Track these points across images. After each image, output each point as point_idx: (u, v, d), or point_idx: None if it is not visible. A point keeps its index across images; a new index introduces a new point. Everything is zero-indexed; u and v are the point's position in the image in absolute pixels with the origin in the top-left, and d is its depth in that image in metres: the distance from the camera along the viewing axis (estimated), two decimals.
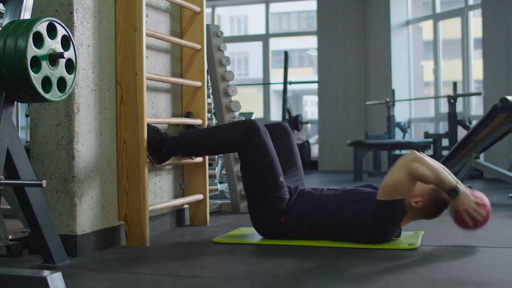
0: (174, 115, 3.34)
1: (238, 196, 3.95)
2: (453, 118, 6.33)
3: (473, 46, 7.24)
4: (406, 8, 8.18)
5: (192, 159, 3.27)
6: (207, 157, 3.41)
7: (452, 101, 6.30)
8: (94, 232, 2.61)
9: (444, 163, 5.00)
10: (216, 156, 4.30)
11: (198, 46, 3.37)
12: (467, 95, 6.93)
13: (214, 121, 4.09)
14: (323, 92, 8.61)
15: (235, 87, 4.03)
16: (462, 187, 2.58)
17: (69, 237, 2.50)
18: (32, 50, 1.95)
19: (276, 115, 9.43)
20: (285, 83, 8.04)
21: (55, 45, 2.05)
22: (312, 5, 9.15)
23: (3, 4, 2.17)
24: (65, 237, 2.46)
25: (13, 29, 1.97)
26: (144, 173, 2.73)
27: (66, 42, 2.11)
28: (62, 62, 2.08)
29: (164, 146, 2.92)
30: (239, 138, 2.79)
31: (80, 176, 2.54)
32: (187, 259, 2.49)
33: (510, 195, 4.37)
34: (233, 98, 4.03)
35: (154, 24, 3.16)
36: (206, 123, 3.39)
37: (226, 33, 10.47)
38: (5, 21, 2.07)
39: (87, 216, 2.58)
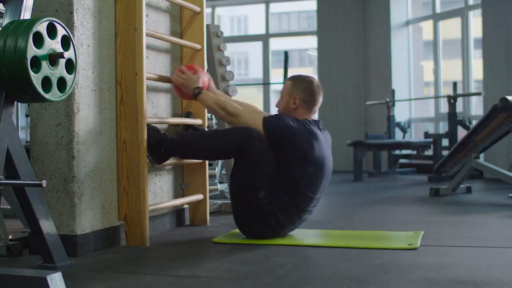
0: (174, 115, 3.34)
1: None
2: (453, 118, 6.33)
3: (473, 46, 7.24)
4: (406, 8, 8.18)
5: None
6: None
7: (452, 101, 6.30)
8: (94, 232, 2.61)
9: (444, 163, 5.02)
10: None
11: (198, 46, 3.38)
12: (467, 95, 6.93)
13: (214, 121, 4.09)
14: (323, 92, 8.60)
15: (235, 87, 4.02)
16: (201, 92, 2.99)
17: (69, 237, 2.50)
18: (32, 50, 1.95)
19: None
20: None
21: (55, 45, 2.05)
22: (312, 5, 9.14)
23: (3, 4, 2.17)
24: (65, 237, 2.46)
25: (13, 29, 1.97)
26: (144, 173, 2.73)
27: (66, 42, 2.11)
28: (62, 62, 2.08)
29: (163, 147, 2.92)
30: (237, 143, 2.80)
31: (80, 176, 2.54)
32: (187, 259, 2.49)
33: (510, 195, 4.37)
34: (233, 98, 4.02)
35: (154, 24, 3.16)
36: (206, 123, 3.39)
37: (226, 33, 10.46)
38: (5, 21, 2.07)
39: (87, 216, 2.58)
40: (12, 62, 1.93)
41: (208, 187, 3.42)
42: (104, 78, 2.71)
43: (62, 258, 2.28)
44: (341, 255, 2.50)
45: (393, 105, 7.48)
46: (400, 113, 7.85)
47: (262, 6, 9.53)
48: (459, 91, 6.74)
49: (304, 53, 18.35)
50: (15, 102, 2.11)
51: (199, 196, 3.34)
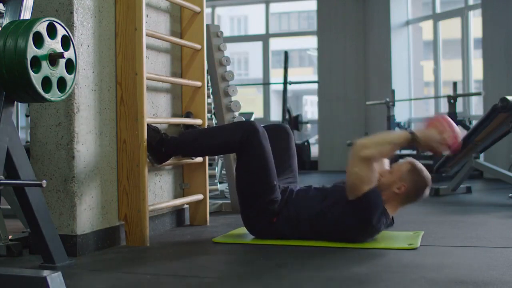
0: (174, 115, 3.34)
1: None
2: (453, 118, 6.31)
3: (473, 46, 7.24)
4: (406, 8, 8.18)
5: (192, 159, 3.27)
6: (207, 157, 3.41)
7: (452, 101, 6.30)
8: (94, 232, 2.61)
9: (444, 163, 5.02)
10: (216, 156, 4.30)
11: (198, 46, 3.38)
12: (467, 95, 6.93)
13: (214, 121, 4.09)
14: (323, 92, 8.60)
15: (235, 87, 4.03)
16: (416, 130, 2.64)
17: (69, 237, 2.50)
18: (32, 50, 1.95)
19: (276, 115, 9.42)
20: (285, 83, 8.04)
21: (55, 45, 2.05)
22: (312, 5, 9.14)
23: (3, 4, 2.17)
24: (65, 237, 2.46)
25: (13, 29, 1.97)
26: (144, 173, 2.73)
27: (66, 42, 2.11)
28: (62, 62, 2.08)
29: (164, 146, 2.92)
30: (238, 139, 2.79)
31: (80, 176, 2.54)
32: (187, 259, 2.49)
33: (510, 195, 4.37)
34: (233, 98, 4.03)
35: (154, 24, 3.16)
36: (206, 123, 3.39)
37: (226, 33, 10.46)
38: (5, 21, 2.07)
39: (87, 216, 2.58)
40: (12, 62, 1.93)
41: (208, 187, 3.43)
42: (104, 78, 2.71)
43: (62, 258, 2.28)
44: (341, 255, 2.50)
45: (393, 105, 7.47)
46: (400, 113, 7.84)
47: (262, 6, 9.52)
48: (459, 91, 6.73)
49: (304, 53, 18.37)
50: (15, 102, 2.11)
51: (199, 196, 3.34)
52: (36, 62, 1.98)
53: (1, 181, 2.00)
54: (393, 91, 7.57)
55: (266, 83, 9.35)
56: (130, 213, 2.75)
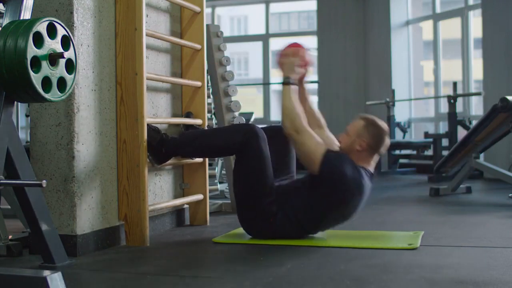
0: (174, 115, 3.34)
1: None
2: (453, 118, 6.33)
3: (473, 46, 7.24)
4: (406, 8, 8.17)
5: (192, 159, 3.27)
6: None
7: (452, 101, 6.30)
8: (94, 232, 2.61)
9: (444, 163, 5.02)
10: None
11: (198, 46, 3.37)
12: (467, 95, 6.92)
13: (214, 121, 4.09)
14: (323, 92, 8.60)
15: (235, 87, 4.02)
16: (284, 72, 2.84)
17: (69, 237, 2.50)
18: (32, 50, 1.95)
19: (276, 115, 9.42)
20: None
21: (55, 45, 2.05)
22: (312, 5, 9.14)
23: (3, 4, 2.17)
24: (65, 237, 2.46)
25: (13, 29, 1.97)
26: (144, 173, 2.73)
27: (66, 42, 2.11)
28: (62, 62, 2.08)
29: (164, 147, 2.92)
30: (238, 142, 2.80)
31: (80, 176, 2.54)
32: (187, 259, 2.49)
33: (510, 195, 4.37)
34: (233, 98, 4.03)
35: (154, 24, 3.16)
36: (206, 123, 3.39)
37: (226, 33, 10.46)
38: (5, 21, 2.07)
39: (87, 216, 2.58)
40: (12, 62, 1.93)
41: (208, 187, 3.43)
42: (104, 78, 2.71)
43: (62, 258, 2.28)
44: (341, 255, 2.50)
45: (393, 105, 7.48)
46: (400, 113, 7.84)
47: (262, 6, 9.52)
48: (459, 91, 6.73)
49: None
50: (15, 102, 2.11)
51: (199, 196, 3.34)
52: (36, 62, 1.98)
53: (1, 181, 2.00)
54: (393, 91, 7.57)
55: (266, 83, 9.35)
56: (130, 213, 2.75)
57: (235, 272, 2.23)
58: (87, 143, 2.59)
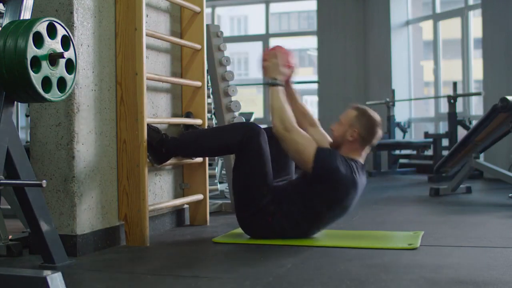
0: (174, 115, 3.34)
1: None
2: (453, 118, 6.33)
3: (473, 46, 7.24)
4: (406, 8, 8.17)
5: (192, 159, 3.27)
6: (207, 157, 3.41)
7: (452, 101, 6.30)
8: (94, 232, 2.61)
9: (444, 163, 5.02)
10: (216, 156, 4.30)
11: (198, 46, 3.37)
12: (467, 95, 6.92)
13: (214, 121, 4.09)
14: (323, 92, 8.60)
15: (235, 87, 4.02)
16: (266, 77, 2.89)
17: (69, 237, 2.50)
18: (32, 50, 1.95)
19: None
20: None
21: (55, 45, 2.05)
22: (312, 5, 9.14)
23: (3, 4, 2.17)
24: (65, 237, 2.46)
25: (13, 29, 1.97)
26: (144, 173, 2.73)
27: (66, 42, 2.11)
28: (62, 62, 2.08)
29: (164, 147, 2.92)
30: (239, 141, 2.80)
31: (80, 176, 2.54)
32: (187, 259, 2.49)
33: (510, 195, 4.37)
34: (233, 98, 4.03)
35: (154, 24, 3.16)
36: (206, 123, 3.39)
37: (226, 33, 10.46)
38: (5, 21, 2.07)
39: (87, 216, 2.58)
40: (12, 62, 1.93)
41: (208, 187, 3.43)
42: (104, 78, 2.71)
43: (62, 258, 2.28)
44: (341, 255, 2.50)
45: (393, 105, 7.47)
46: (400, 113, 7.84)
47: (262, 6, 9.52)
48: (459, 91, 6.73)
49: (304, 53, 18.35)
50: (15, 102, 2.11)
51: (199, 196, 3.34)
52: (36, 62, 1.98)
53: (1, 181, 2.00)
54: (393, 91, 7.57)
55: (266, 83, 9.34)
56: (130, 213, 2.75)
57: (235, 272, 2.23)
58: (87, 143, 2.59)
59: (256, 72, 13.16)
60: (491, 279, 2.02)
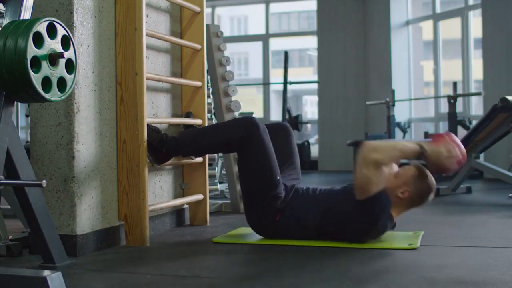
0: (174, 115, 3.34)
1: (238, 196, 3.94)
2: (453, 118, 6.32)
3: (473, 46, 7.24)
4: (406, 8, 8.18)
5: (192, 159, 3.27)
6: (207, 157, 3.41)
7: (452, 101, 6.29)
8: (94, 232, 2.61)
9: None
10: (216, 156, 4.31)
11: (198, 46, 3.38)
12: (467, 95, 6.93)
13: (214, 121, 4.09)
14: (323, 92, 8.60)
15: (235, 87, 4.03)
16: (425, 144, 2.61)
17: (69, 237, 2.50)
18: (32, 50, 1.95)
19: (276, 115, 9.42)
20: (285, 83, 8.03)
21: (55, 45, 2.05)
22: (312, 5, 9.14)
23: (3, 4, 2.17)
24: (65, 237, 2.46)
25: (13, 29, 1.96)
26: (144, 173, 2.73)
27: (66, 42, 2.11)
28: (62, 62, 2.08)
29: (165, 147, 2.92)
30: (240, 136, 2.79)
31: (80, 176, 2.54)
32: (187, 259, 2.49)
33: (510, 195, 4.37)
34: (233, 98, 4.03)
35: (154, 24, 3.16)
36: (206, 123, 3.39)
37: (226, 33, 10.46)
38: (5, 21, 2.07)
39: (87, 216, 2.58)
40: (12, 62, 1.93)
41: (208, 187, 3.43)
42: (104, 78, 2.71)
43: (62, 258, 2.28)
44: (341, 255, 2.50)
45: (393, 105, 7.47)
46: (400, 113, 7.84)
47: (262, 6, 9.52)
48: (459, 91, 6.73)
49: (304, 53, 18.35)
50: (15, 102, 2.11)
51: (199, 196, 3.34)
52: (36, 62, 1.98)
53: (1, 181, 2.00)
54: (393, 91, 7.57)
55: (266, 83, 9.35)
56: (130, 213, 2.75)
57: (235, 272, 2.23)
58: (87, 143, 2.59)
59: (256, 72, 13.17)
60: (491, 279, 2.02)
